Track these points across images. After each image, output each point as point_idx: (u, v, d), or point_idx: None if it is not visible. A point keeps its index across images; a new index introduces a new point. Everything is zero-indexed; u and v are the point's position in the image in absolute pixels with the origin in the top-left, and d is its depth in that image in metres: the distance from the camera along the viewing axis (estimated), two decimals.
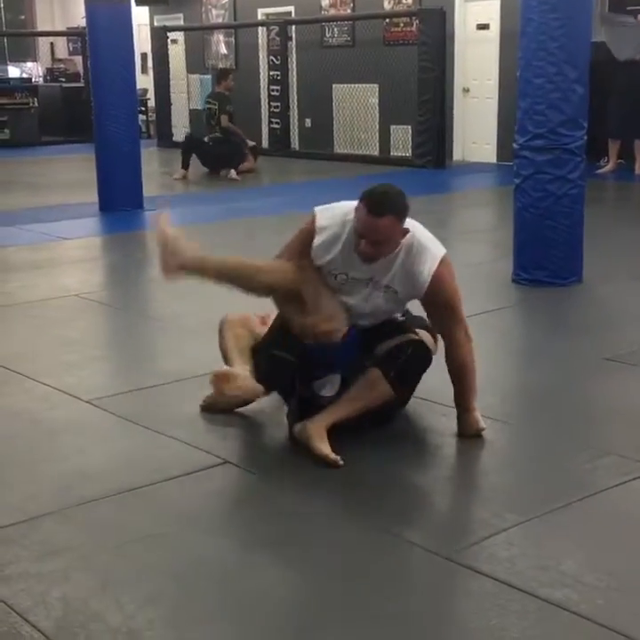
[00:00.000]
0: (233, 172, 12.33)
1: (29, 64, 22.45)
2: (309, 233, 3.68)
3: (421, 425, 3.94)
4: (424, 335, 3.95)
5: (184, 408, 4.07)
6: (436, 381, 4.31)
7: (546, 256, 5.94)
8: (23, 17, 21.99)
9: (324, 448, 3.44)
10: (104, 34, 9.13)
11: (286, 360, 3.70)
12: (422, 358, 3.69)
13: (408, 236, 3.56)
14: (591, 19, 5.91)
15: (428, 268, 3.57)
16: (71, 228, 8.73)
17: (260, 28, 15.53)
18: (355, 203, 3.55)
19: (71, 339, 5.20)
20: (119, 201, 9.49)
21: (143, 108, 17.41)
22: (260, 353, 3.85)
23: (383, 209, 3.43)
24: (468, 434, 3.67)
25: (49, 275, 6.87)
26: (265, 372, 3.78)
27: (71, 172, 12.64)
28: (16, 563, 2.82)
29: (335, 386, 3.70)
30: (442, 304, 3.66)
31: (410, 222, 3.57)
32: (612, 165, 11.47)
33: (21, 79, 19.13)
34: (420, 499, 3.21)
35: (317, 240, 3.64)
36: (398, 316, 3.87)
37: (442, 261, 3.61)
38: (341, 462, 3.41)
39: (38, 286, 6.44)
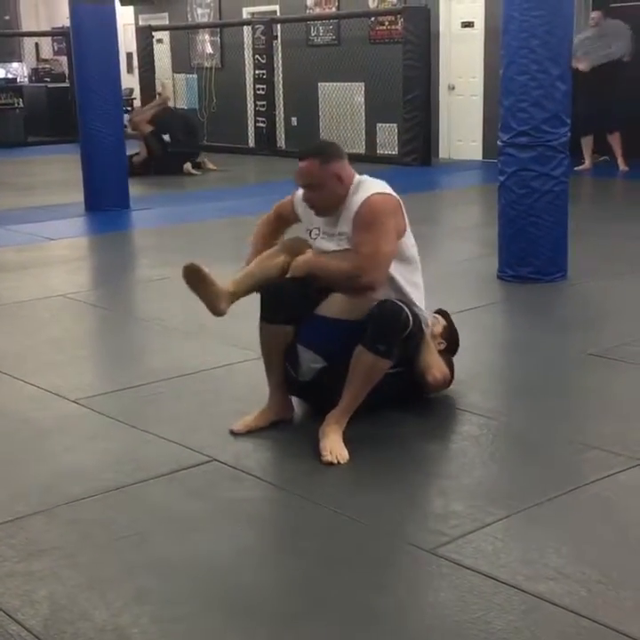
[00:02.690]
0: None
1: (14, 64, 22.38)
2: (294, 195, 4.00)
3: (406, 420, 3.97)
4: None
5: (171, 407, 4.09)
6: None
7: (530, 253, 5.97)
8: (7, 17, 21.90)
9: (330, 447, 3.50)
10: (88, 34, 9.11)
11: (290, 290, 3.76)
12: (391, 312, 3.58)
13: (354, 180, 3.73)
14: (573, 16, 5.93)
15: (361, 197, 3.69)
16: (58, 229, 8.72)
17: (245, 26, 15.53)
18: None
19: (58, 339, 5.21)
20: (105, 201, 9.49)
21: (129, 108, 17.37)
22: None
23: (304, 153, 3.76)
24: None
25: (36, 275, 6.86)
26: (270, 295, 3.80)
27: (57, 173, 12.62)
28: (3, 562, 2.83)
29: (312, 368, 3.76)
30: (360, 222, 3.67)
31: (361, 177, 3.77)
32: (588, 163, 11.50)
33: (6, 79, 19.09)
34: (405, 493, 3.23)
35: (296, 199, 3.96)
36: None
37: (380, 193, 3.71)
38: (338, 461, 3.47)
39: (25, 287, 6.44)
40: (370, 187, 3.73)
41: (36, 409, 4.11)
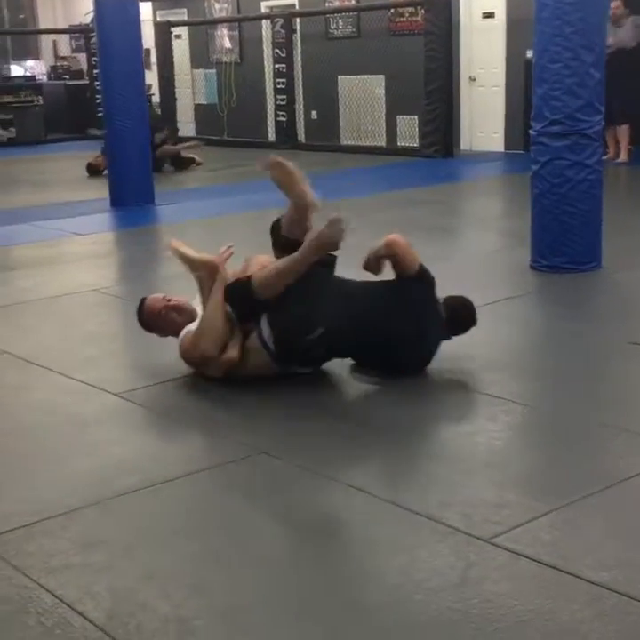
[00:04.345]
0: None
1: (31, 62, 22.41)
2: None
3: (445, 410, 3.95)
4: None
5: (210, 400, 4.07)
6: (467, 367, 4.33)
7: (564, 242, 5.93)
8: (23, 16, 21.94)
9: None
10: (112, 30, 9.12)
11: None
12: None
13: None
14: (607, 2, 5.88)
15: None
16: (84, 224, 8.73)
17: (264, 21, 15.51)
18: None
19: (95, 333, 5.21)
20: (130, 196, 9.49)
21: (148, 104, 17.36)
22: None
23: None
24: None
25: (66, 270, 6.87)
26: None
27: (77, 169, 12.62)
28: (60, 554, 2.83)
29: None
30: None
31: None
32: (612, 153, 11.39)
33: (25, 77, 19.12)
34: (458, 482, 3.21)
35: None
36: None
37: None
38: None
39: (58, 282, 6.45)
40: None
41: (79, 403, 4.11)
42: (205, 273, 4.21)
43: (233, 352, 4.07)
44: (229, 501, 3.19)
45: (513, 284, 5.91)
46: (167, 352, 4.42)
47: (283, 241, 4.16)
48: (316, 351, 4.07)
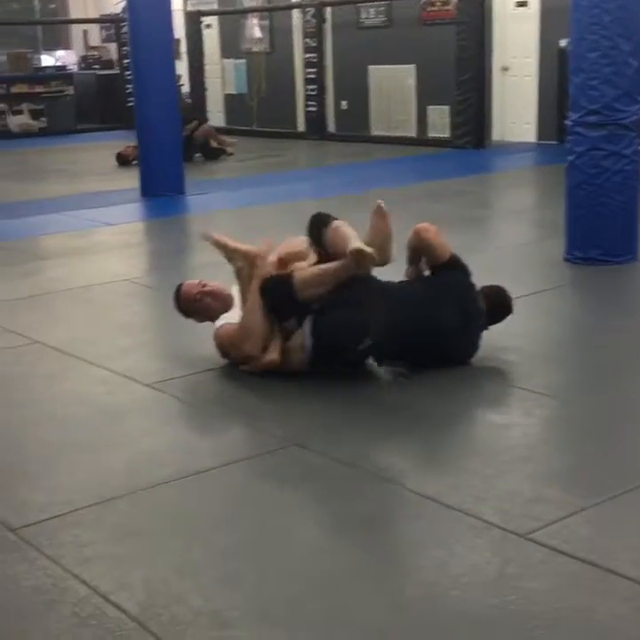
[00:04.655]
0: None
1: (61, 52, 22.48)
2: None
3: (486, 405, 3.92)
4: None
5: (244, 391, 4.05)
6: (502, 360, 4.29)
7: (600, 234, 5.86)
8: (54, 5, 22.02)
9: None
10: (144, 19, 9.11)
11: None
12: None
13: None
14: None
15: None
16: (115, 214, 8.74)
17: (294, 10, 15.45)
18: None
19: (127, 323, 5.22)
20: (161, 186, 9.49)
21: (178, 94, 17.38)
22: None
23: None
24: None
25: (98, 260, 6.88)
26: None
27: (108, 159, 12.65)
28: (94, 545, 2.82)
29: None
30: None
31: None
32: None
33: (56, 67, 19.17)
34: (493, 477, 3.17)
35: None
36: None
37: None
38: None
39: (89, 272, 6.46)
40: None
41: (111, 393, 4.11)
42: (246, 264, 4.18)
43: (274, 354, 4.05)
44: (263, 494, 3.17)
45: (547, 277, 5.84)
46: (199, 342, 4.42)
47: (320, 247, 4.13)
48: (359, 358, 4.05)
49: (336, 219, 4.10)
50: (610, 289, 5.60)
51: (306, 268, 4.08)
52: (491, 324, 4.27)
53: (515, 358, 4.33)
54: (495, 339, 4.31)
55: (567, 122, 5.92)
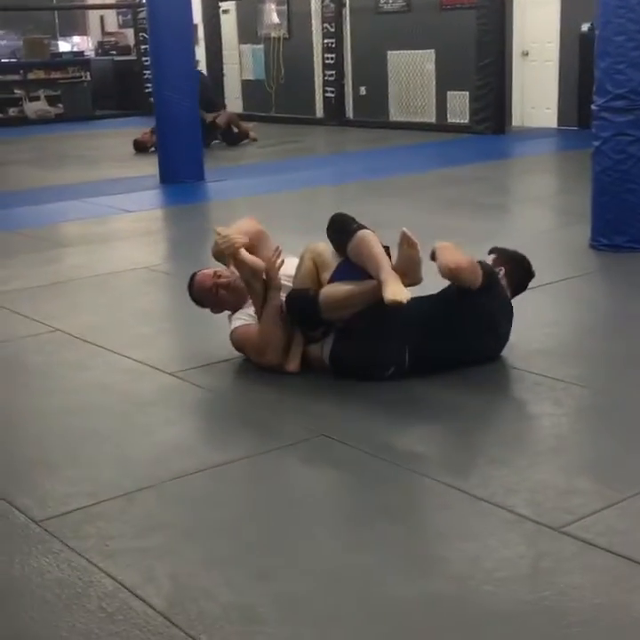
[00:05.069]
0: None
1: (77, 38, 22.44)
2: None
3: (515, 395, 3.86)
4: None
5: (267, 381, 3.99)
6: (530, 349, 4.23)
7: (626, 221, 5.77)
8: None
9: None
10: (162, 4, 9.04)
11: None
12: None
13: None
14: None
15: None
16: (134, 201, 8.70)
17: None
18: None
19: (147, 311, 5.18)
20: (180, 173, 9.44)
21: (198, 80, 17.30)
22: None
23: None
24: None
25: (117, 248, 6.85)
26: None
27: (126, 145, 12.61)
28: (119, 537, 2.78)
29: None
30: None
31: None
32: None
33: (73, 53, 19.16)
34: (524, 468, 3.11)
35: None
36: None
37: None
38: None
39: (108, 259, 6.42)
40: None
41: (133, 381, 4.07)
42: (256, 280, 4.00)
43: (295, 364, 3.99)
44: (292, 485, 3.11)
45: (573, 264, 5.76)
46: (218, 331, 4.36)
47: (343, 255, 3.97)
48: (383, 379, 3.93)
49: (358, 224, 3.93)
50: (636, 276, 5.51)
51: (333, 286, 3.90)
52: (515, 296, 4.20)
53: (543, 346, 4.26)
54: (523, 327, 4.25)
55: (593, 106, 5.82)
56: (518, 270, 4.19)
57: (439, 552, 2.67)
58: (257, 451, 3.34)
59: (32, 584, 2.56)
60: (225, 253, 3.98)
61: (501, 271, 4.09)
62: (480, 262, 3.97)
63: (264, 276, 3.98)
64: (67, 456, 3.38)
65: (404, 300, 3.63)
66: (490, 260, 4.16)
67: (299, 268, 4.03)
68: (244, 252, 3.97)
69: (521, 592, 2.44)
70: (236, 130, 13.08)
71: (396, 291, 3.65)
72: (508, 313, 4.09)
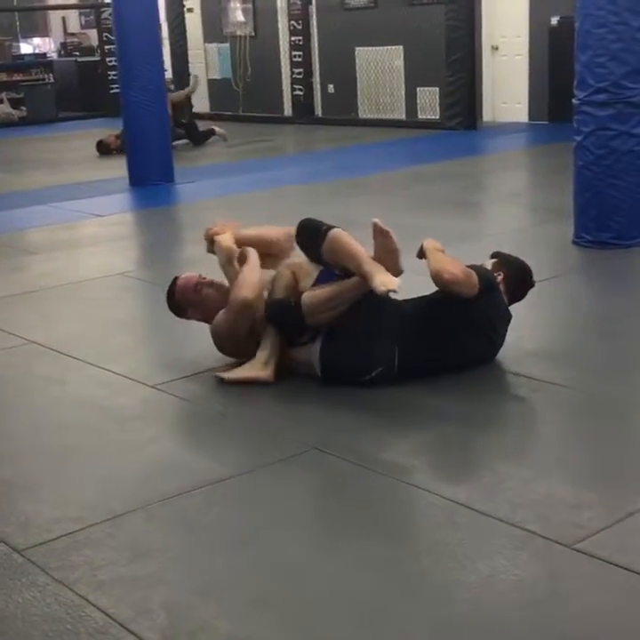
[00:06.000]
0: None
1: (38, 40, 22.11)
2: None
3: (513, 402, 3.74)
4: None
5: (255, 392, 3.84)
6: (524, 352, 4.12)
7: (610, 216, 5.67)
8: None
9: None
10: (129, 4, 8.85)
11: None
12: None
13: None
14: None
15: None
16: (104, 205, 8.49)
17: None
18: None
19: (123, 320, 5.00)
20: (150, 175, 9.25)
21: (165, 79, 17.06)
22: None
23: None
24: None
25: (88, 254, 6.65)
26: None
27: (92, 148, 12.35)
28: (108, 566, 2.62)
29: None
30: None
31: None
32: None
33: (36, 55, 18.84)
34: (528, 480, 2.98)
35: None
36: None
37: None
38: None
39: (80, 266, 6.23)
40: None
41: (115, 396, 3.89)
42: (230, 265, 4.00)
43: (268, 372, 3.85)
44: (288, 503, 2.96)
45: (557, 262, 5.66)
46: (199, 339, 4.21)
47: (317, 261, 3.89)
48: (371, 383, 3.79)
49: (328, 225, 3.81)
50: (623, 273, 5.42)
51: (314, 290, 3.79)
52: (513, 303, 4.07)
53: (536, 348, 4.14)
54: (512, 328, 4.12)
55: (574, 100, 5.72)
56: (517, 276, 4.04)
57: (449, 573, 2.53)
58: (247, 468, 3.18)
59: (16, 621, 2.40)
60: (209, 235, 4.11)
61: (499, 276, 3.96)
62: (474, 267, 3.84)
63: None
64: (46, 477, 3.21)
65: (396, 288, 3.54)
66: (489, 264, 4.03)
67: (277, 279, 3.92)
68: (220, 237, 4.04)
69: (537, 616, 2.31)
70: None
71: (384, 280, 3.55)
72: (504, 317, 3.96)
